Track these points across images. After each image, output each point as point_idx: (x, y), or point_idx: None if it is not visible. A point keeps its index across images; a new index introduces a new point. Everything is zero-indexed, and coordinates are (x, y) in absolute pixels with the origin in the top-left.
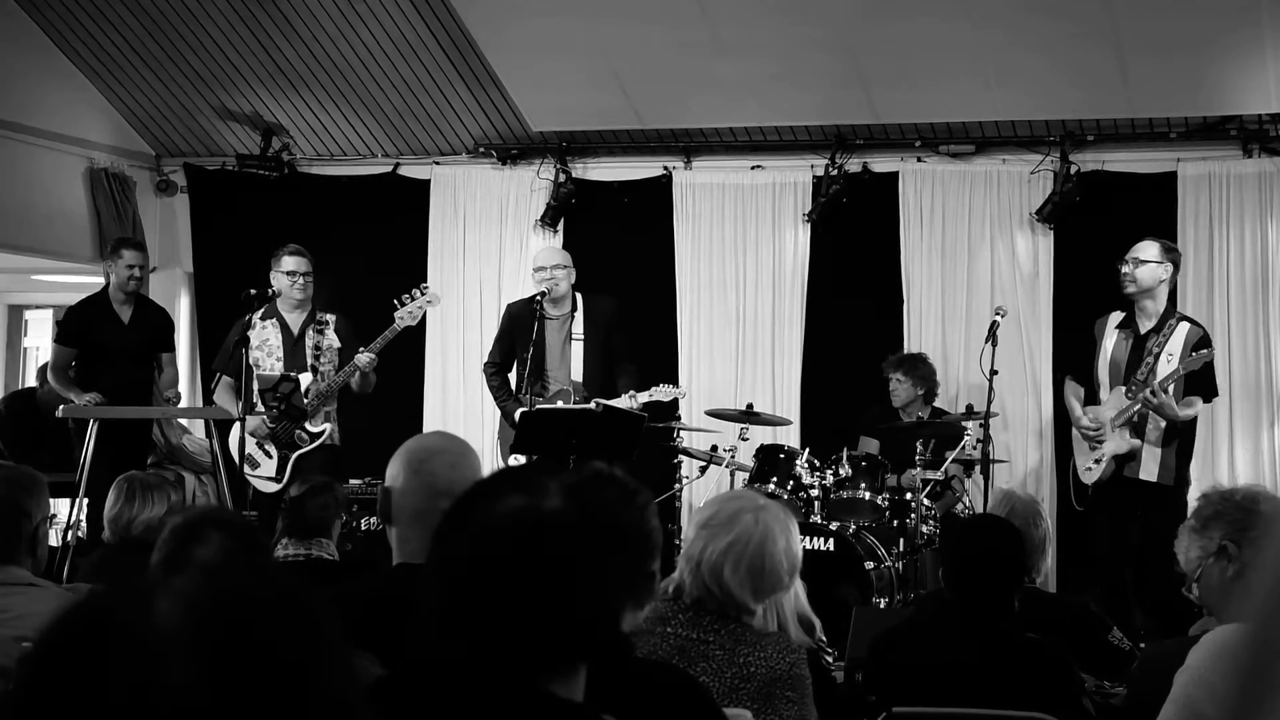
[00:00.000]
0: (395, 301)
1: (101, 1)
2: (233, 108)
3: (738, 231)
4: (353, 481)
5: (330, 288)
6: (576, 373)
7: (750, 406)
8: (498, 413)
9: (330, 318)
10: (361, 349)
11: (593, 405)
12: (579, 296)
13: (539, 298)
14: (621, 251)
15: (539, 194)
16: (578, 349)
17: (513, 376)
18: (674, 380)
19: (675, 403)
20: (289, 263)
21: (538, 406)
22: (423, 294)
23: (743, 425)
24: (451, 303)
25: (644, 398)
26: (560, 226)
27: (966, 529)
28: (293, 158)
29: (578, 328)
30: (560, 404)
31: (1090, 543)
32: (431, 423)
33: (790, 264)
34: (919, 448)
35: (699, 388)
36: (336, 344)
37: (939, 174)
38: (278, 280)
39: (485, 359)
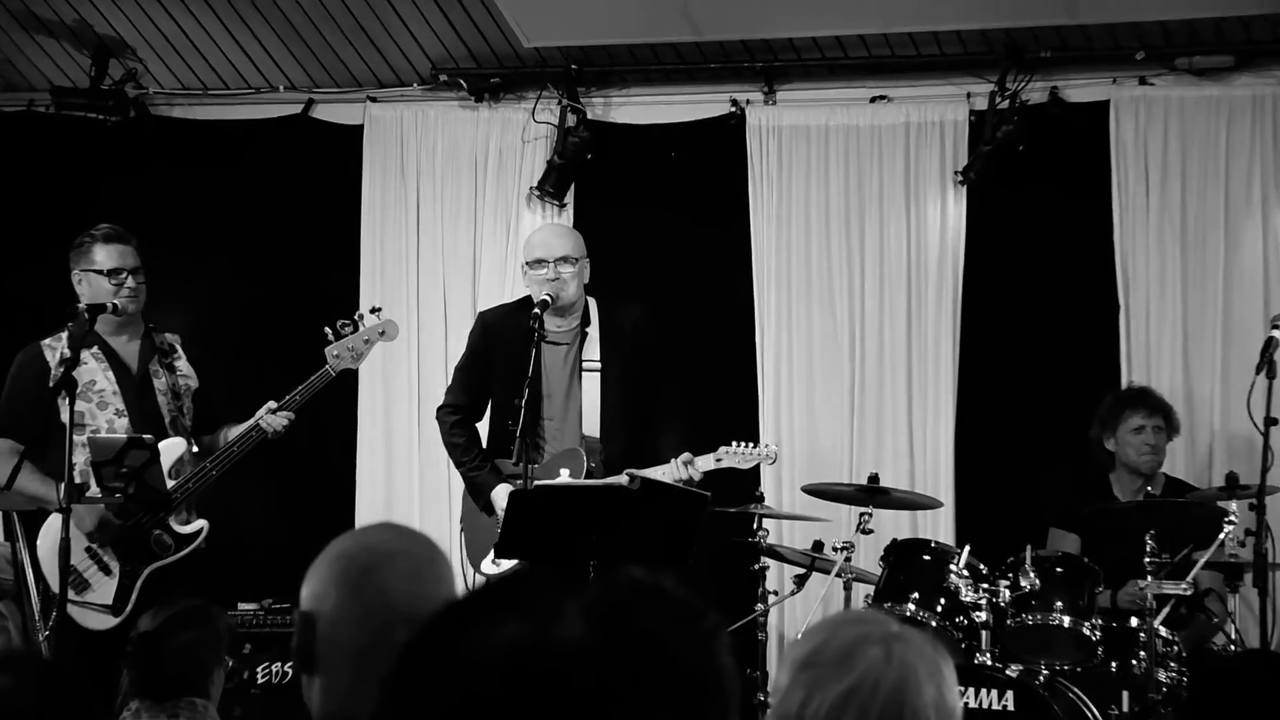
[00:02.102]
0: (327, 332)
1: None
2: (46, 14)
3: (849, 201)
4: (243, 607)
5: (201, 301)
6: (591, 423)
7: (875, 479)
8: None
9: (174, 338)
10: (271, 405)
11: (624, 478)
12: (594, 305)
13: (536, 310)
14: (665, 235)
15: (535, 147)
16: (593, 385)
17: (485, 428)
18: (752, 436)
19: (756, 473)
20: (102, 255)
21: (536, 482)
22: (367, 321)
23: (864, 510)
24: (396, 317)
25: (706, 465)
26: (569, 197)
27: (1235, 678)
28: (142, 92)
29: (592, 351)
30: (566, 475)
31: None
32: (369, 508)
33: (934, 251)
34: (1149, 544)
35: (793, 450)
36: (194, 381)
37: (1174, 102)
38: (87, 285)
39: (442, 400)
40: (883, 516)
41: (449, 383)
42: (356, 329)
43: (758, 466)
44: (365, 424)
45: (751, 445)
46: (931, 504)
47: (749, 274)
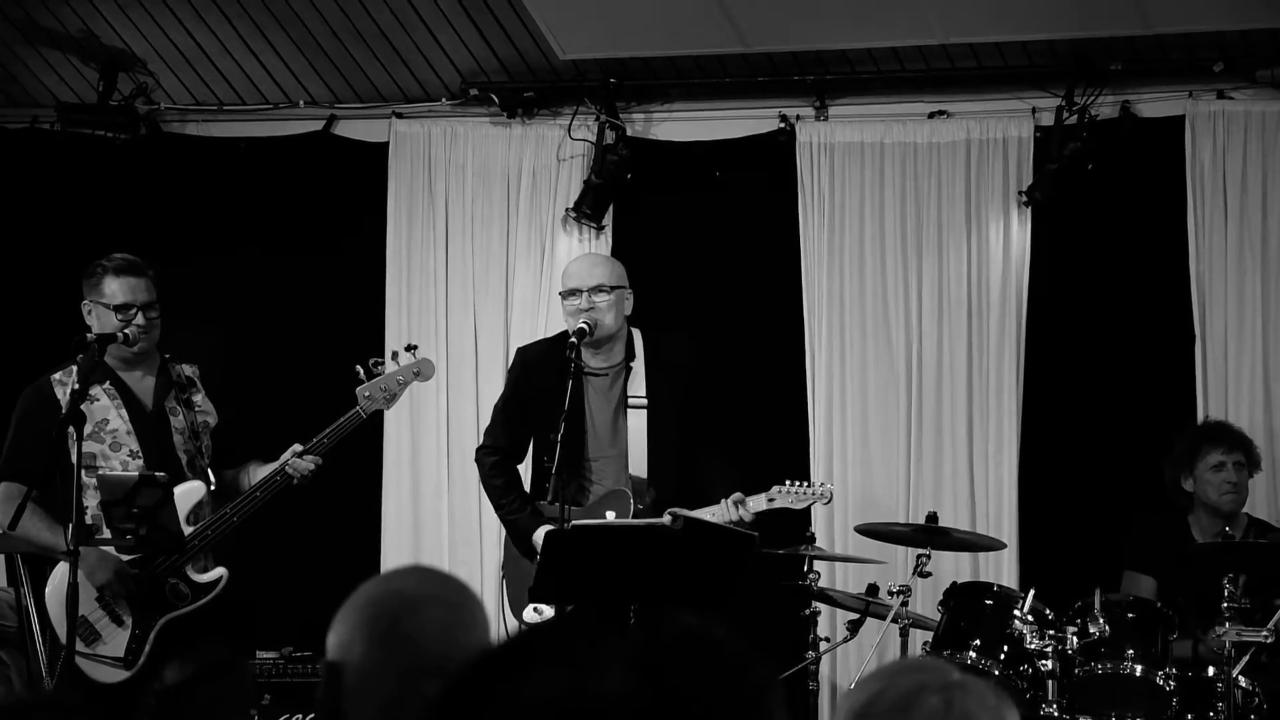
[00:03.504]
0: (358, 370)
1: None
2: (51, 25)
3: (905, 224)
4: (263, 655)
5: (218, 330)
6: (638, 463)
7: (933, 519)
8: (503, 533)
9: (191, 370)
10: (298, 448)
11: (666, 519)
12: (639, 337)
13: (572, 340)
14: (709, 259)
15: (571, 166)
16: (639, 422)
17: (528, 470)
18: (802, 473)
19: (807, 513)
20: (115, 288)
21: (574, 521)
22: (401, 359)
23: (921, 551)
24: (423, 347)
25: (758, 506)
26: (607, 219)
27: None
28: (153, 108)
29: (638, 387)
30: (611, 515)
31: None
32: (396, 552)
33: (997, 277)
34: (1229, 588)
35: (846, 488)
36: (213, 418)
37: (1255, 117)
38: (96, 318)
39: (481, 440)
40: (942, 558)
41: (487, 421)
42: (389, 368)
43: (808, 510)
44: (391, 463)
45: (805, 484)
46: (994, 545)
47: (799, 302)
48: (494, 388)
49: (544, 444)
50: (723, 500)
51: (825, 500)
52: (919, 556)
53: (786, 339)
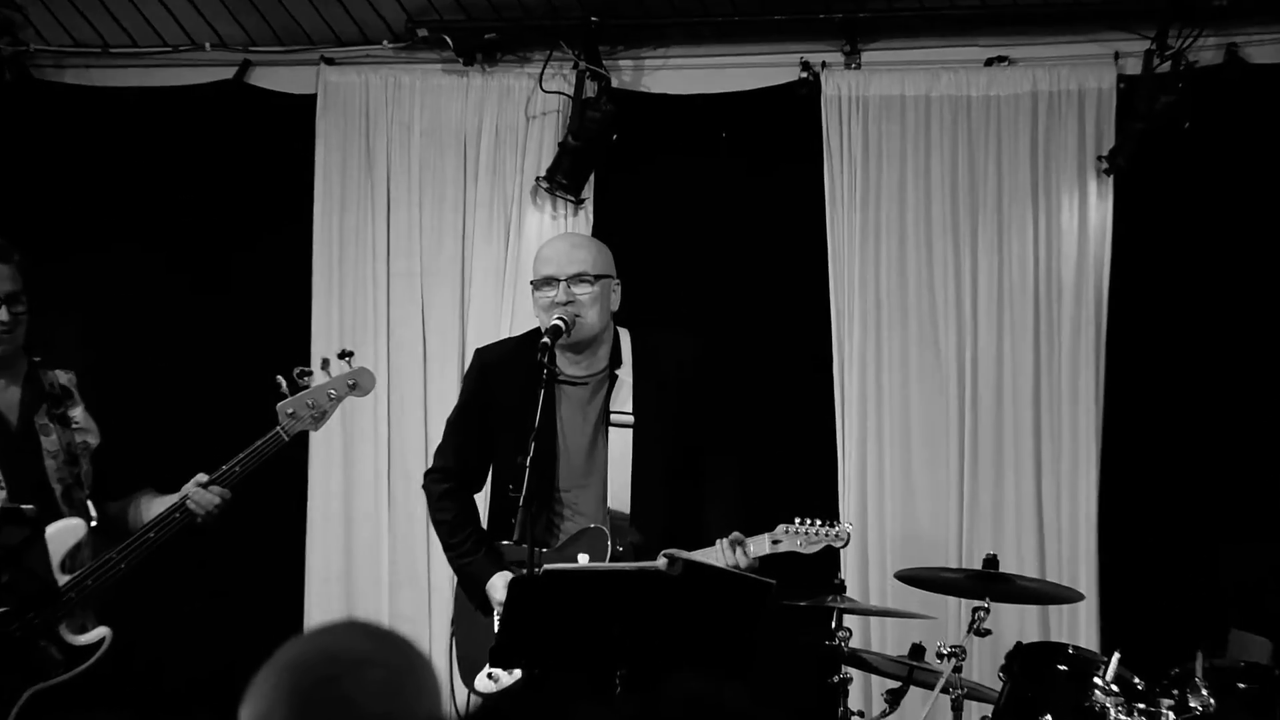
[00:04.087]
0: (279, 381)
1: None
2: None
3: (957, 196)
4: None
5: (102, 329)
6: (619, 494)
7: (993, 563)
8: (455, 581)
9: (67, 378)
10: (201, 477)
11: (660, 562)
12: (627, 339)
13: (544, 340)
14: (713, 242)
15: (543, 124)
16: (621, 445)
17: (485, 500)
18: (829, 506)
19: (836, 557)
20: None
21: (545, 565)
22: (332, 369)
23: (978, 604)
24: (360, 349)
25: (759, 549)
26: (588, 190)
27: None
28: (22, 50)
29: (623, 401)
30: (585, 559)
31: None
32: (325, 604)
33: (1070, 262)
34: None
35: (883, 524)
36: (94, 436)
37: None
38: None
39: (430, 463)
40: (1004, 612)
41: (439, 440)
42: (318, 379)
43: (836, 552)
44: (318, 496)
45: (818, 523)
46: (1069, 596)
47: (825, 294)
48: (447, 402)
49: (507, 469)
50: (717, 541)
51: (842, 542)
52: (975, 611)
53: (809, 341)
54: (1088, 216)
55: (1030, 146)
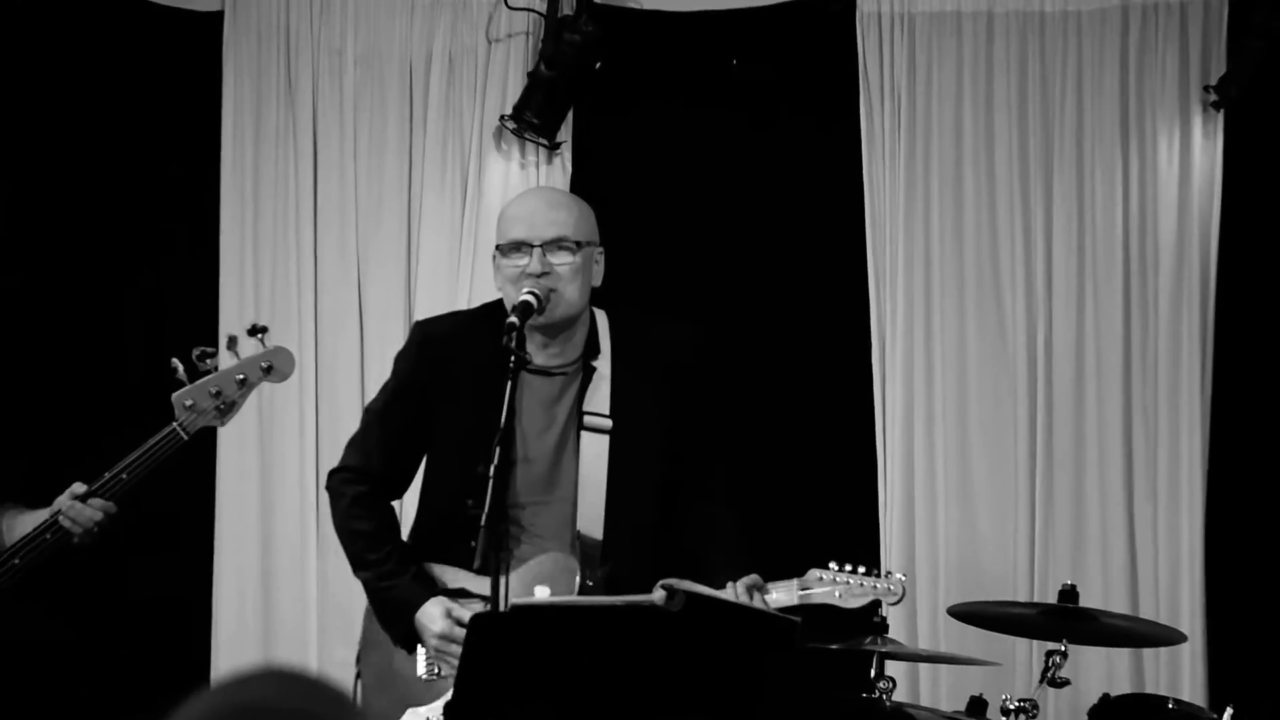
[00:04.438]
0: (175, 365)
1: None
2: None
3: (1026, 136)
4: None
5: None
6: (591, 514)
7: (1072, 596)
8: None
9: None
10: (78, 488)
11: (658, 594)
12: (606, 323)
13: (512, 319)
14: (721, 198)
15: (508, 49)
16: (596, 453)
17: (407, 507)
18: (868, 532)
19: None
20: None
21: (514, 601)
22: (242, 349)
23: (1054, 647)
24: (279, 326)
25: (784, 599)
26: (564, 132)
27: None
28: None
29: (599, 399)
30: (544, 593)
31: None
32: (235, 646)
33: (1169, 217)
34: None
35: (935, 553)
36: None
37: None
38: None
39: (340, 459)
40: (1085, 656)
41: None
42: (225, 361)
43: (877, 601)
44: (228, 506)
45: (863, 572)
46: (1168, 637)
47: (862, 262)
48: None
49: (448, 477)
50: (728, 585)
51: (895, 598)
52: (1050, 656)
53: (841, 325)
54: (1191, 161)
55: (1119, 73)
